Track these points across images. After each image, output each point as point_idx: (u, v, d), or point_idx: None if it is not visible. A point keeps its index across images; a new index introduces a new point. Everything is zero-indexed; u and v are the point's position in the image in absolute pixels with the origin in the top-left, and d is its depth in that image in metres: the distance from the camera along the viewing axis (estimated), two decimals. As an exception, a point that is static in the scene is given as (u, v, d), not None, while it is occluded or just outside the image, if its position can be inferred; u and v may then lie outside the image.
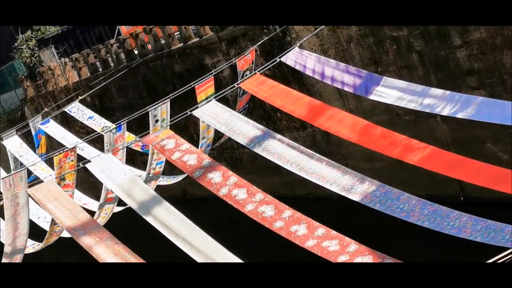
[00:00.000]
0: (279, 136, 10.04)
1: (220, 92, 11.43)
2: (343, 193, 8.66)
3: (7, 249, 11.31)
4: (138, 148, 15.07)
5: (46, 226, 13.30)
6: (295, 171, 9.35)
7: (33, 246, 13.02)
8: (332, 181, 8.86)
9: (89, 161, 10.88)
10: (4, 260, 11.35)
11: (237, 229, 14.11)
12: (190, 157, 9.98)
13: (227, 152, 20.06)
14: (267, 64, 11.47)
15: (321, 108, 10.49)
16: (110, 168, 10.54)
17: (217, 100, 10.97)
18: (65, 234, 11.47)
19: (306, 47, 14.41)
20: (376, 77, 10.35)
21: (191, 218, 9.52)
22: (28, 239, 12.22)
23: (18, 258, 11.47)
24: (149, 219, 9.60)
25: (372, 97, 10.18)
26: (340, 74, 10.67)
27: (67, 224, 10.04)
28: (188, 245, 9.10)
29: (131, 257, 9.37)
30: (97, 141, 16.78)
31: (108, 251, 9.44)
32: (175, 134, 10.47)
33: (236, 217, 10.08)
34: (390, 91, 9.94)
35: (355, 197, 8.53)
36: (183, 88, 12.72)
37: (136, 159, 19.08)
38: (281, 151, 9.65)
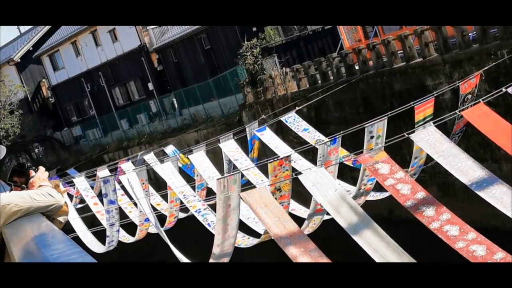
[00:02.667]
0: (503, 183, 9.67)
1: (440, 118, 11.28)
2: None
3: (215, 250, 12.03)
4: (349, 163, 15.41)
5: (255, 226, 14.04)
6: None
7: (242, 237, 13.79)
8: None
9: (300, 172, 11.27)
10: (211, 261, 12.13)
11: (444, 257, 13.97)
12: (404, 186, 10.00)
13: (439, 177, 19.88)
14: (492, 94, 11.25)
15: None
16: (321, 183, 10.78)
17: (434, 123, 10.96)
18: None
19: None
20: None
21: (395, 239, 9.73)
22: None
23: (225, 260, 12.23)
24: (356, 238, 9.83)
25: None
26: None
27: (274, 232, 10.43)
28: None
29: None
30: (309, 153, 17.46)
31: (312, 262, 9.77)
32: (390, 159, 10.46)
33: (443, 245, 10.01)
34: None
35: None
36: (402, 107, 12.89)
37: (345, 173, 19.54)
38: (505, 199, 9.31)
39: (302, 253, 9.98)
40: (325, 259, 9.82)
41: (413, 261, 9.31)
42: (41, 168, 4.49)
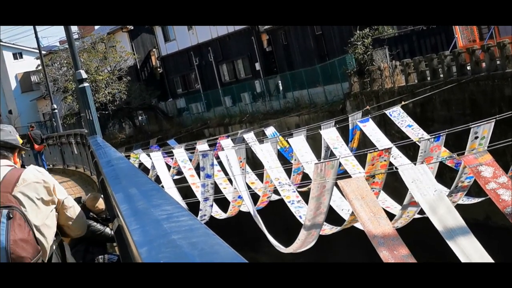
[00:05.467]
0: None
1: None
2: None
3: (306, 223, 12.43)
4: (451, 165, 15.26)
5: (347, 217, 14.15)
6: None
7: (331, 229, 13.97)
8: None
9: (397, 167, 11.25)
10: (302, 233, 12.48)
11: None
12: (505, 192, 9.85)
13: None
14: None
15: None
16: (421, 180, 10.71)
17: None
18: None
19: None
20: None
21: (490, 246, 9.64)
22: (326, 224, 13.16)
23: (314, 234, 12.48)
24: (450, 243, 9.76)
25: None
26: None
27: (368, 228, 10.45)
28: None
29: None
30: (410, 149, 17.34)
31: None
32: (495, 162, 10.31)
33: None
34: None
35: None
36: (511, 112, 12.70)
37: (445, 174, 19.31)
38: None
39: (394, 257, 9.97)
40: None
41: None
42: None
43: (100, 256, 8.19)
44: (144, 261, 1.83)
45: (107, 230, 8.20)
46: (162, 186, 19.28)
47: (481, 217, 20.64)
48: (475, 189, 13.54)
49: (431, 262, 8.77)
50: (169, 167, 23.47)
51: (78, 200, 8.15)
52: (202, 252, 1.70)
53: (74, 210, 4.55)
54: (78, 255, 7.90)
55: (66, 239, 4.75)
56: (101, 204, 8.29)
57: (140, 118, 55.58)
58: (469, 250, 9.57)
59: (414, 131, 17.68)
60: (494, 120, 13.26)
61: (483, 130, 13.46)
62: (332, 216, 14.03)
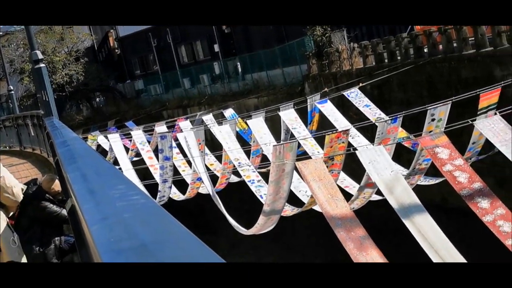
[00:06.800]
0: None
1: (507, 108, 11.13)
2: None
3: (266, 208, 12.40)
4: (408, 145, 15.38)
5: (305, 199, 14.19)
6: None
7: (292, 211, 14.02)
8: None
9: (356, 148, 11.29)
10: (261, 218, 12.48)
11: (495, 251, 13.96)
12: (461, 174, 9.92)
13: (497, 169, 19.67)
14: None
15: None
16: (378, 161, 10.78)
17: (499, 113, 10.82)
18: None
19: None
20: None
21: (447, 228, 9.71)
22: (288, 204, 13.20)
23: (274, 219, 12.48)
24: (406, 222, 9.84)
25: None
26: None
27: (326, 209, 10.47)
28: (438, 257, 9.32)
29: (380, 261, 9.59)
30: (368, 130, 17.44)
31: (361, 249, 9.80)
32: (451, 144, 10.37)
33: (494, 239, 9.93)
34: None
35: None
36: (468, 93, 12.81)
37: (402, 155, 19.49)
38: None
39: (351, 238, 10.00)
40: (374, 249, 9.85)
41: (460, 257, 9.29)
42: None
43: (56, 238, 8.07)
44: (95, 240, 1.78)
45: (63, 211, 8.08)
46: (120, 169, 19.13)
47: (437, 199, 20.89)
48: (432, 172, 13.67)
49: (430, 262, 8.81)
50: (127, 149, 23.30)
51: (34, 181, 8.02)
52: (154, 230, 1.66)
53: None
54: (34, 237, 7.79)
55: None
56: (57, 185, 8.15)
57: (98, 99, 55.10)
58: (425, 228, 9.66)
59: (371, 111, 17.75)
60: (451, 102, 13.37)
61: (440, 112, 13.56)
62: (292, 198, 14.06)
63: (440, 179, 14.68)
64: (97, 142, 26.21)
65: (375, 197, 12.97)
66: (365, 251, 9.75)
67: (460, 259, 9.25)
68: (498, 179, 19.72)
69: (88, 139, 26.22)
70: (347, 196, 13.00)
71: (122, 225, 1.80)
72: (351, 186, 15.00)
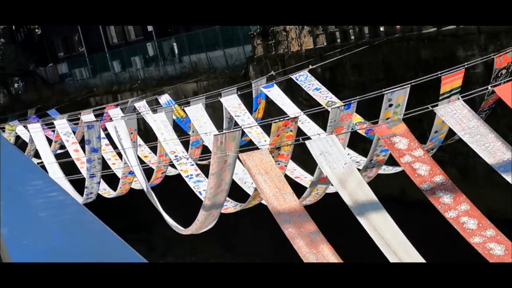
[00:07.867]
0: None
1: (470, 92, 11.11)
2: None
3: (206, 203, 12.36)
4: (362, 132, 15.40)
5: (251, 191, 14.12)
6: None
7: (235, 207, 13.98)
8: None
9: (309, 138, 11.17)
10: (201, 213, 12.43)
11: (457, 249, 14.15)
12: (422, 166, 9.93)
13: (460, 159, 19.98)
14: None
15: None
16: (330, 152, 10.66)
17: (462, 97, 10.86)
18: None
19: None
20: None
21: (406, 224, 9.76)
22: (230, 200, 13.17)
23: (214, 214, 12.41)
24: (361, 219, 9.83)
25: None
26: None
27: (273, 205, 10.36)
28: (395, 258, 9.39)
29: (333, 259, 9.62)
30: (319, 117, 17.45)
31: (311, 246, 9.79)
32: (410, 133, 10.34)
33: (457, 235, 9.97)
34: None
35: None
36: (428, 76, 12.86)
37: (357, 144, 19.62)
38: None
39: (301, 234, 9.95)
40: (325, 244, 9.85)
41: (420, 257, 9.35)
42: None
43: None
44: (7, 243, 1.68)
45: None
46: (42, 162, 18.80)
47: (396, 192, 21.11)
48: (391, 162, 13.74)
49: (427, 262, 8.83)
50: (50, 140, 22.92)
51: None
52: (71, 231, 1.57)
53: None
54: None
55: None
56: None
57: (16, 85, 54.18)
58: (381, 226, 9.67)
59: (322, 95, 17.62)
60: (410, 85, 13.39)
61: (398, 96, 13.53)
62: (236, 193, 14.00)
63: (399, 169, 14.76)
64: (16, 133, 25.72)
65: (332, 189, 12.89)
66: (315, 248, 9.73)
67: (420, 259, 9.31)
68: (461, 169, 20.04)
69: (5, 130, 25.71)
70: (299, 188, 12.96)
71: (37, 225, 1.71)
72: (302, 176, 14.91)
